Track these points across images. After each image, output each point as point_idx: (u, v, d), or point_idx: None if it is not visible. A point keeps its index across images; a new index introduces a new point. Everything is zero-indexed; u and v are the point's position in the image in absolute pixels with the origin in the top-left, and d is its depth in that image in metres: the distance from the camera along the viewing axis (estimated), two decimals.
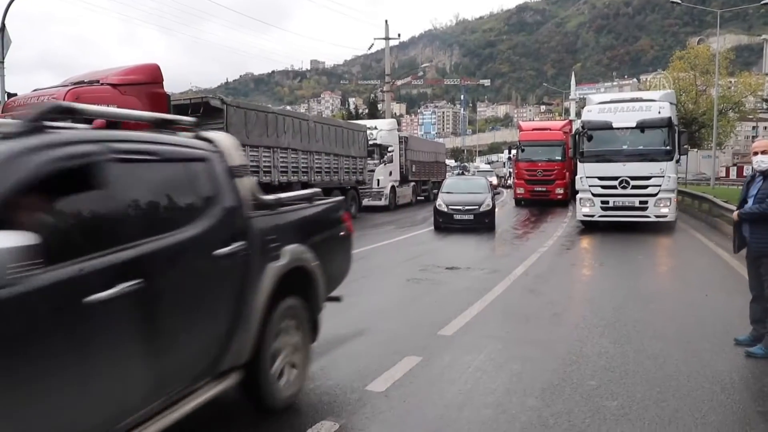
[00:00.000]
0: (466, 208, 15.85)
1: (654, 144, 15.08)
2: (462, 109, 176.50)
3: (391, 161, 25.06)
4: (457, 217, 15.83)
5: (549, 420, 3.98)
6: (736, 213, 5.78)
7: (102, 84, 12.24)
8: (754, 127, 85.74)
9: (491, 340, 5.91)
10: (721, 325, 6.30)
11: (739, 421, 4.01)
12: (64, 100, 11.26)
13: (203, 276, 3.41)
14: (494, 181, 39.29)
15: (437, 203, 16.54)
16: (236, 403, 4.20)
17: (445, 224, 16.05)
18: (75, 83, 12.36)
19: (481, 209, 15.82)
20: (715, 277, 9.55)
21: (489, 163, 68.08)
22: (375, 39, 39.22)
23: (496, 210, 18.85)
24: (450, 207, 16.04)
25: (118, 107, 11.76)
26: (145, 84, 12.88)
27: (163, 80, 13.37)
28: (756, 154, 5.48)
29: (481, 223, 15.82)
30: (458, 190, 17.07)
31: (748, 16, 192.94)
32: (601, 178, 15.40)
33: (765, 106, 45.24)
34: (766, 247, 5.37)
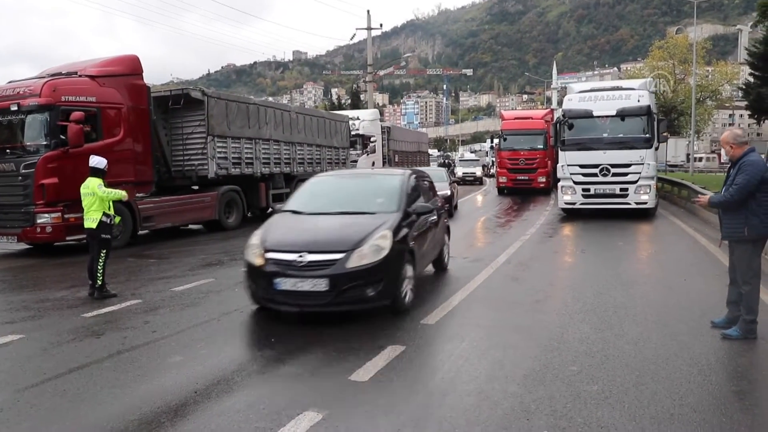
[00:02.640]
0: (310, 260, 5.96)
1: (633, 132, 15.25)
2: (444, 98, 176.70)
3: (373, 151, 25.07)
4: (284, 286, 5.98)
5: (531, 406, 4.04)
6: (706, 198, 5.97)
7: (80, 76, 12.05)
8: (730, 115, 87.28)
9: (474, 328, 5.97)
10: (698, 309, 6.42)
11: (716, 401, 4.11)
12: (41, 91, 11.09)
13: None
14: (478, 172, 37.28)
15: (250, 241, 6.61)
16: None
17: (264, 300, 6.37)
18: (52, 75, 12.14)
19: (351, 265, 5.95)
20: (693, 262, 9.71)
21: (473, 152, 67.57)
22: (357, 29, 39.15)
23: (480, 199, 18.24)
24: (272, 260, 6.16)
25: (96, 99, 11.77)
26: (125, 75, 12.73)
27: (142, 71, 13.22)
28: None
29: (354, 299, 6.05)
30: (316, 208, 7.27)
31: (724, 6, 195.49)
32: (582, 166, 15.54)
33: (741, 95, 45.85)
34: (734, 233, 5.50)
